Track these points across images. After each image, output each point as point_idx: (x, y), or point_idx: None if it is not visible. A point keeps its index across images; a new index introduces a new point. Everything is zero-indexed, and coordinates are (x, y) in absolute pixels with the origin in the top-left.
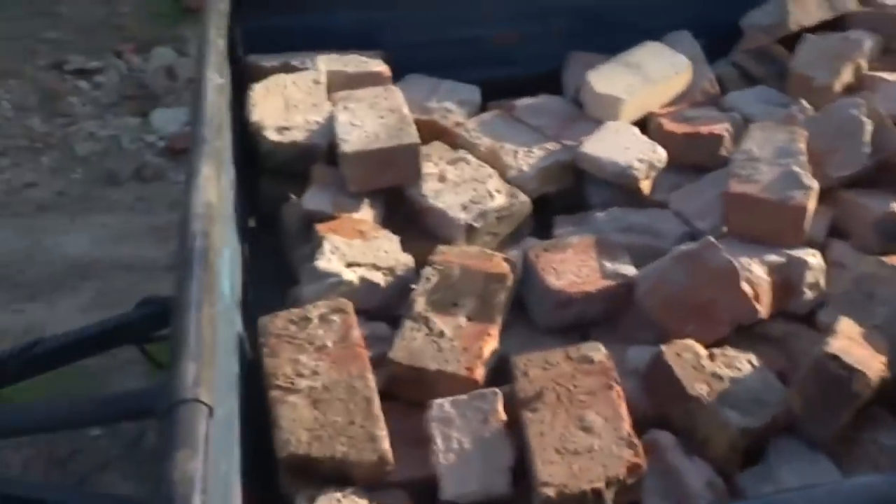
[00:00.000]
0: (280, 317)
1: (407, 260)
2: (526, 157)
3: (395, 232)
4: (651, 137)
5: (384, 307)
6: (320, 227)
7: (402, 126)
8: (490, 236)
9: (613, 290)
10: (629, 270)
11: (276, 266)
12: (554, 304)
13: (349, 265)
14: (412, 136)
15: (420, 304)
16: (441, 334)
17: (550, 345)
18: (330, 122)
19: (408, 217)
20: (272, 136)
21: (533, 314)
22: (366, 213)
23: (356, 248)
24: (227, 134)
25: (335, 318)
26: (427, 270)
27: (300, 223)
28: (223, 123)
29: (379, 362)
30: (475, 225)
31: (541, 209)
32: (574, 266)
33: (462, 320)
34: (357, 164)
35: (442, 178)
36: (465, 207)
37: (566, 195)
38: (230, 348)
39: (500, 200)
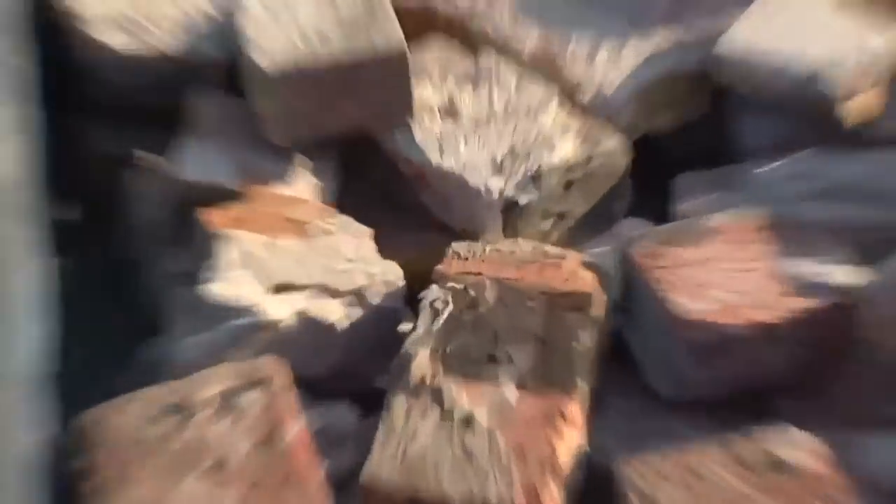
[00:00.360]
0: (128, 407)
1: (390, 274)
2: (612, 64)
3: (363, 220)
4: (859, 14)
5: (348, 371)
6: (214, 218)
7: (370, 15)
8: (552, 220)
9: (815, 317)
10: (846, 277)
11: (119, 298)
12: (691, 348)
13: (276, 289)
14: (392, 34)
15: (422, 362)
16: (467, 423)
17: (690, 434)
18: (227, 14)
19: (388, 191)
20: (111, 39)
21: (648, 371)
22: (304, 187)
23: (287, 256)
24: (25, 47)
25: (249, 399)
26: (432, 293)
27: (170, 209)
28: (16, 26)
29: (343, 486)
30: (521, 200)
31: (646, 164)
32: (726, 273)
33: (508, 390)
34: (286, 93)
35: (452, 113)
36: (499, 166)
37: (694, 134)
38: (28, 471)
39: (566, 150)
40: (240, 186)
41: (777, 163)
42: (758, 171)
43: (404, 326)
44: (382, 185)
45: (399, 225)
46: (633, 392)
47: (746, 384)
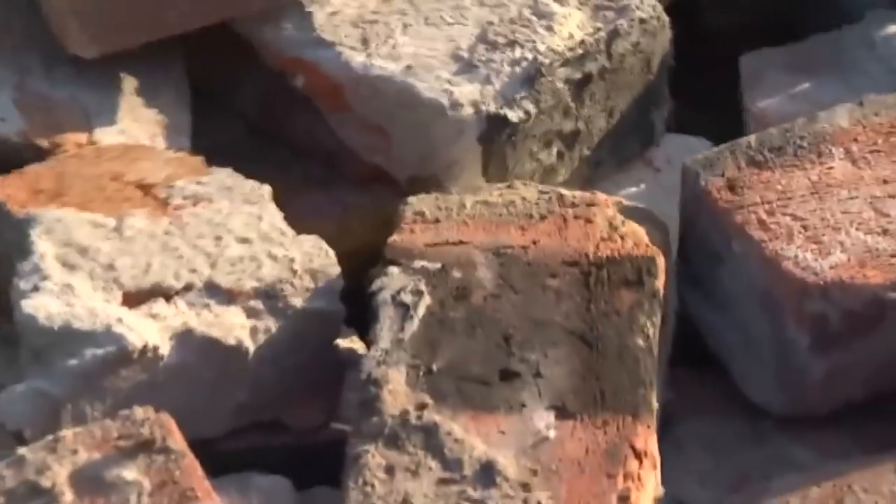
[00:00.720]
0: None
1: (316, 258)
2: None
3: (248, 168)
4: None
5: (264, 418)
6: (7, 191)
7: None
8: (556, 148)
9: None
10: None
11: None
12: (815, 329)
13: (134, 297)
14: None
15: (398, 390)
16: (486, 475)
17: (825, 466)
18: None
19: (273, 123)
20: None
21: (742, 373)
22: (140, 127)
23: (143, 244)
24: None
25: (129, 475)
26: (392, 280)
27: None
28: None
29: None
30: (511, 117)
31: (681, 47)
32: (856, 205)
33: (542, 419)
34: None
35: None
36: (468, 62)
37: None
38: None
39: (571, 26)
40: (32, 134)
41: None
42: (880, 33)
43: (344, 340)
44: (262, 113)
45: (299, 178)
46: (718, 408)
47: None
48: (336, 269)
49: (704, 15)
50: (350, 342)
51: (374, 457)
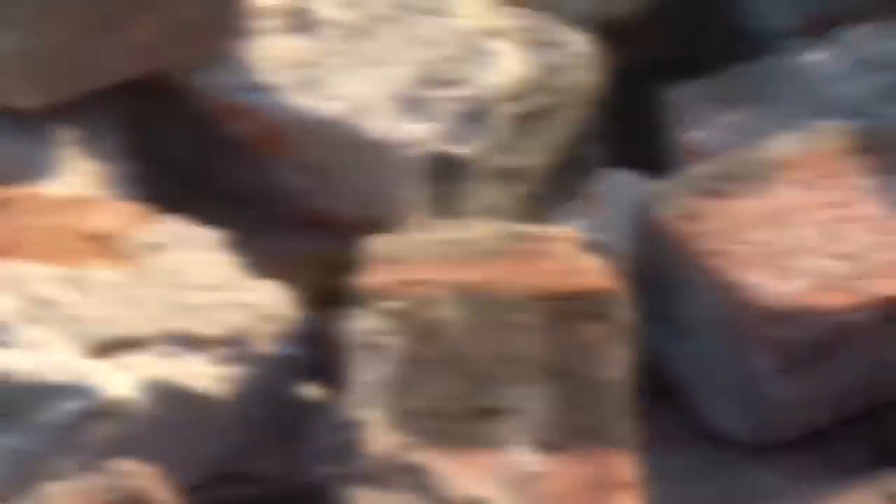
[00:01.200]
0: None
1: (278, 302)
2: None
3: (198, 215)
4: None
5: (234, 471)
6: None
7: None
8: (499, 185)
9: None
10: None
11: None
12: (781, 355)
13: (104, 348)
14: None
15: (380, 431)
16: None
17: (800, 492)
18: None
19: (210, 170)
20: None
21: (706, 402)
22: (79, 179)
23: (107, 294)
24: None
25: None
26: (364, 322)
27: None
28: None
29: None
30: (458, 154)
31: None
32: (813, 230)
33: (524, 455)
34: (39, 18)
35: (307, 23)
36: (410, 100)
37: (669, 22)
38: None
39: (509, 63)
40: None
41: (826, 50)
42: (801, 60)
43: (305, 387)
44: (192, 160)
45: (233, 226)
46: (679, 438)
47: (862, 402)
48: (299, 315)
49: (633, 48)
50: (308, 387)
51: (363, 499)
